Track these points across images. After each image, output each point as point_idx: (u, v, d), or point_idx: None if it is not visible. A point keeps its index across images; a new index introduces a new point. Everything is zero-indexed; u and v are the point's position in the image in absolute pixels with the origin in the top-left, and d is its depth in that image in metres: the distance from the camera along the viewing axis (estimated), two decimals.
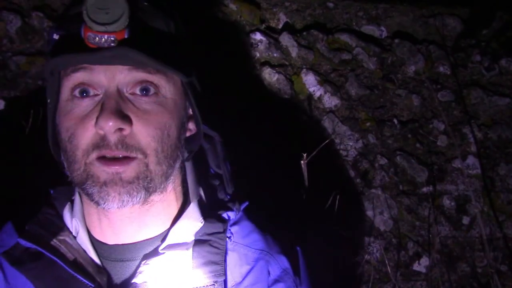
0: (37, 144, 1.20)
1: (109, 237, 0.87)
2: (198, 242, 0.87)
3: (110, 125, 0.75)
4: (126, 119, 0.77)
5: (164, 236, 0.88)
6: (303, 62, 1.60)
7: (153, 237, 0.88)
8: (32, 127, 1.28)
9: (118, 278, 0.86)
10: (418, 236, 1.54)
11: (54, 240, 0.86)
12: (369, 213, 1.53)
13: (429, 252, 1.52)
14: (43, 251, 0.84)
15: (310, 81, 1.58)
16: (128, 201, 0.79)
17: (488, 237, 1.53)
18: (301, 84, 1.58)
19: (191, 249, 0.86)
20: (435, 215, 1.55)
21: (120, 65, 0.78)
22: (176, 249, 0.85)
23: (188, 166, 0.95)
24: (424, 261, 1.53)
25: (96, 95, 0.79)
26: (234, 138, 1.03)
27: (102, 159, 0.78)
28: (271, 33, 1.60)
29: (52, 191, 0.95)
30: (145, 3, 0.81)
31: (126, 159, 0.78)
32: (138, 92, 0.80)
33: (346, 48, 1.64)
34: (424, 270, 1.52)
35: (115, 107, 0.77)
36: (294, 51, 1.60)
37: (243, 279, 0.87)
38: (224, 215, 0.92)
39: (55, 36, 0.80)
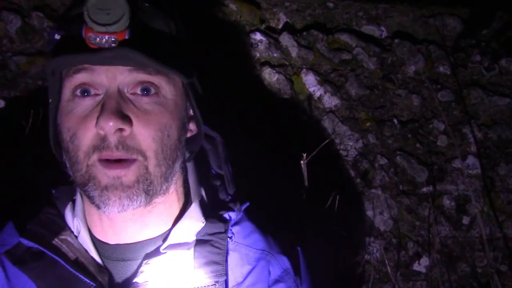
0: (37, 144, 1.20)
1: (111, 237, 0.87)
2: (199, 242, 0.87)
3: (110, 125, 0.75)
4: (126, 119, 0.77)
5: (165, 236, 0.88)
6: (303, 62, 1.60)
7: (155, 237, 0.88)
8: (32, 127, 1.28)
9: (119, 278, 0.86)
10: (418, 236, 1.54)
11: (56, 240, 0.86)
12: (369, 213, 1.53)
13: (429, 252, 1.52)
14: (45, 250, 0.84)
15: (310, 81, 1.58)
16: (129, 205, 0.79)
17: (488, 237, 1.53)
18: (301, 84, 1.58)
19: (192, 249, 0.86)
20: (435, 215, 1.55)
21: (120, 65, 0.78)
22: (177, 249, 0.86)
23: (190, 166, 0.95)
24: (424, 261, 1.53)
25: (97, 94, 0.79)
26: (234, 138, 1.03)
27: (104, 161, 0.78)
28: (271, 33, 1.60)
29: (53, 191, 0.95)
30: (146, 4, 0.81)
31: (126, 161, 0.78)
32: (139, 92, 0.80)
33: (346, 48, 1.64)
34: (424, 270, 1.52)
35: (116, 107, 0.77)
36: (294, 51, 1.60)
37: (244, 279, 0.87)
38: (226, 215, 0.92)
39: (56, 36, 0.80)
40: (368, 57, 1.63)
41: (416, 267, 1.53)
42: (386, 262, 1.45)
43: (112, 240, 0.87)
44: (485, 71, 1.69)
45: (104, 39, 0.74)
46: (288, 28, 1.62)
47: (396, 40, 1.67)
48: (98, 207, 0.79)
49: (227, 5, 1.58)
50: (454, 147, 1.59)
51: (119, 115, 0.76)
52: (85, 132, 0.78)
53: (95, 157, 0.78)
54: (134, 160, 0.79)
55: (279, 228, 0.98)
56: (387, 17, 1.69)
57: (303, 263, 0.96)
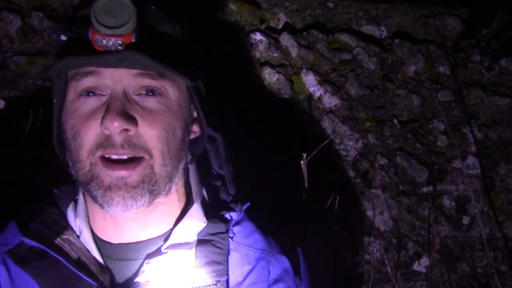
0: (37, 144, 1.20)
1: (113, 236, 0.88)
2: (201, 242, 0.87)
3: (115, 126, 0.76)
4: (132, 120, 0.78)
5: (167, 235, 0.88)
6: (303, 62, 1.60)
7: (156, 237, 0.88)
8: (32, 127, 1.28)
9: (121, 277, 0.87)
10: (418, 236, 1.54)
11: (58, 239, 0.87)
12: (369, 213, 1.53)
13: (429, 252, 1.52)
14: (47, 249, 0.84)
15: (310, 81, 1.58)
16: (133, 205, 0.79)
17: (488, 237, 1.53)
18: (301, 84, 1.58)
19: (194, 249, 0.86)
20: (435, 215, 1.55)
21: (127, 68, 0.78)
22: (179, 249, 0.86)
23: (191, 167, 0.96)
24: (424, 261, 1.53)
25: (101, 95, 0.80)
26: (234, 138, 1.03)
27: (107, 161, 0.78)
28: (271, 33, 1.60)
29: (55, 191, 0.96)
30: (152, 7, 0.81)
31: (132, 162, 0.79)
32: (143, 92, 0.81)
33: (346, 48, 1.64)
34: (424, 270, 1.52)
35: (121, 108, 0.77)
36: (294, 51, 1.60)
37: (245, 278, 0.88)
38: (227, 215, 0.92)
39: (63, 37, 0.81)
40: (368, 57, 1.64)
41: (416, 267, 1.53)
42: (386, 262, 1.45)
43: (114, 239, 0.88)
44: (485, 71, 1.69)
45: (111, 42, 0.75)
46: (288, 28, 1.62)
47: (396, 40, 1.67)
48: (102, 207, 0.80)
49: (227, 5, 1.58)
50: (454, 147, 1.59)
51: (124, 115, 0.77)
52: (88, 131, 0.79)
53: (98, 154, 0.78)
54: (140, 159, 0.79)
55: (279, 228, 0.98)
56: (387, 17, 1.70)
57: (303, 263, 0.96)
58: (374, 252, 1.50)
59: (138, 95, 0.81)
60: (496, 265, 1.52)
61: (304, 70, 1.59)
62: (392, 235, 1.53)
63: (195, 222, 0.89)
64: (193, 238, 0.88)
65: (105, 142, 0.78)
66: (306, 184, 1.38)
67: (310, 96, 1.58)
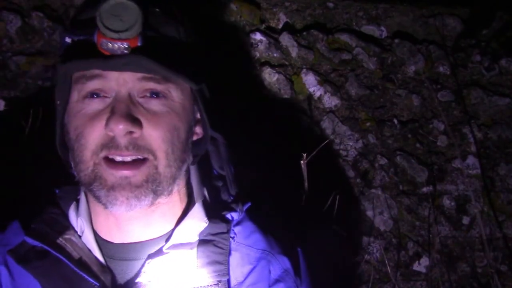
0: (37, 144, 1.20)
1: (115, 236, 0.88)
2: (202, 242, 0.88)
3: (120, 128, 0.76)
4: (136, 122, 0.78)
5: (168, 235, 0.88)
6: (303, 62, 1.60)
7: (158, 237, 0.88)
8: (32, 127, 1.28)
9: (122, 277, 0.87)
10: (418, 236, 1.54)
11: (60, 239, 0.87)
12: (369, 213, 1.53)
13: (429, 252, 1.52)
14: (49, 249, 0.84)
15: (310, 81, 1.58)
16: (136, 205, 0.80)
17: (488, 237, 1.53)
18: (301, 84, 1.58)
19: (195, 249, 0.87)
20: (435, 215, 1.55)
21: (132, 71, 0.79)
22: (180, 249, 0.86)
23: (193, 167, 0.96)
24: (424, 261, 1.53)
25: (106, 97, 0.80)
26: (234, 138, 1.03)
27: (110, 162, 0.78)
28: (271, 33, 1.60)
29: (57, 191, 0.96)
30: (157, 10, 0.81)
31: (136, 163, 0.79)
32: (148, 94, 0.81)
33: (346, 48, 1.64)
34: (424, 270, 1.52)
35: (126, 111, 0.78)
36: (294, 51, 1.60)
37: (245, 278, 0.88)
38: (228, 215, 0.93)
39: (67, 40, 0.81)
40: (368, 57, 1.64)
41: (416, 267, 1.53)
42: (386, 262, 1.45)
43: (116, 239, 0.88)
44: (485, 71, 1.69)
45: (116, 46, 0.75)
46: (288, 28, 1.62)
47: (396, 40, 1.67)
48: (105, 206, 0.80)
49: (227, 5, 1.58)
50: (454, 147, 1.59)
51: (129, 118, 0.77)
52: (92, 132, 0.79)
53: (102, 154, 0.78)
54: (144, 160, 0.80)
55: (279, 228, 0.98)
56: (387, 17, 1.70)
57: (303, 263, 0.96)
58: (374, 252, 1.50)
59: (142, 97, 0.81)
60: (496, 265, 1.52)
61: (304, 70, 1.59)
62: (392, 235, 1.53)
63: (197, 222, 0.89)
64: (195, 238, 0.88)
65: (110, 143, 0.78)
66: (306, 184, 1.38)
67: (310, 96, 1.58)
